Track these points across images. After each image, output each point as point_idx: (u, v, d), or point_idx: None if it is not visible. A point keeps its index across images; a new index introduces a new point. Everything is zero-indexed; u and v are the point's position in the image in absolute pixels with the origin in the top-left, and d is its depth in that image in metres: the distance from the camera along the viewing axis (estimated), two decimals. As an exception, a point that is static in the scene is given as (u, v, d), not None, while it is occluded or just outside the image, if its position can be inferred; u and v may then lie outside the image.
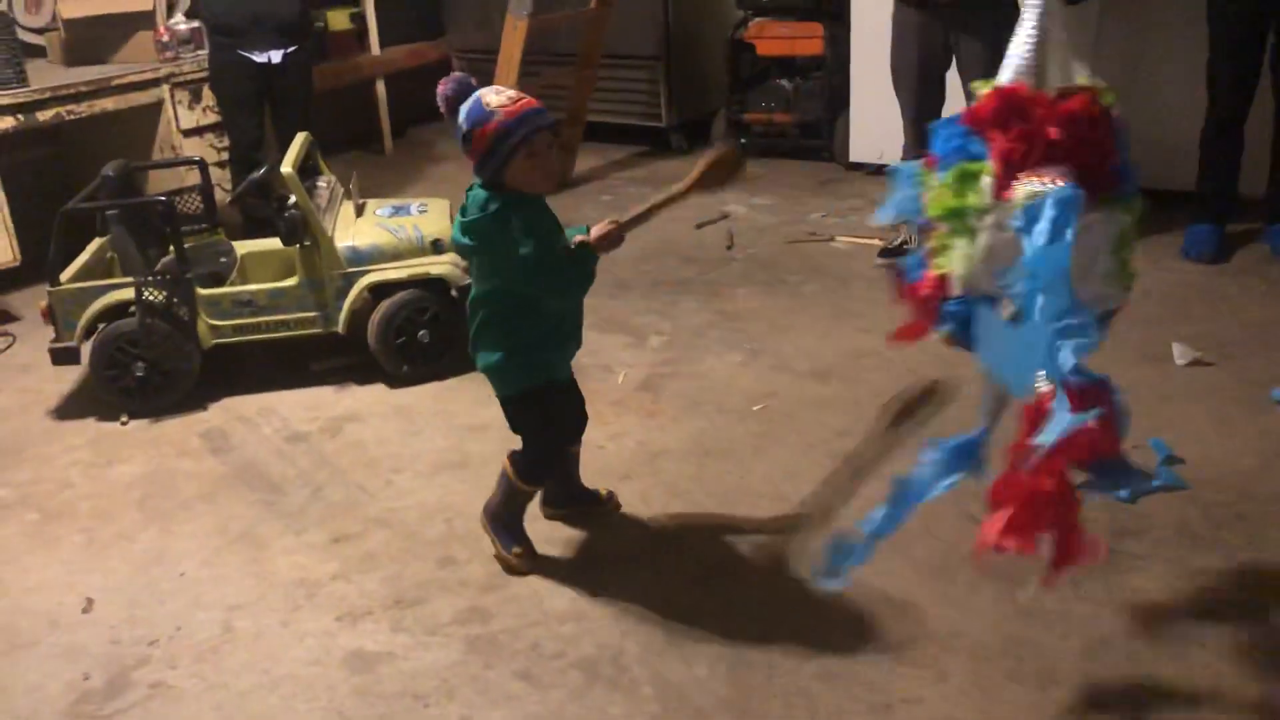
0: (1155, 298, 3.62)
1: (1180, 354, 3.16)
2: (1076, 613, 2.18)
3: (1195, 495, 2.52)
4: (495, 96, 2.19)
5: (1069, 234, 1.62)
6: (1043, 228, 1.64)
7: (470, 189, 2.28)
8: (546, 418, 2.38)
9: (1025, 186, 1.70)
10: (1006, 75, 1.80)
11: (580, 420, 2.51)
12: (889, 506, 1.90)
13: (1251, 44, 3.70)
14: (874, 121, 4.97)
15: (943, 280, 1.87)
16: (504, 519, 2.47)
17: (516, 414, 2.39)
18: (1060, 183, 1.68)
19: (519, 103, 2.19)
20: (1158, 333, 3.33)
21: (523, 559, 2.44)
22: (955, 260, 1.82)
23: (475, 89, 2.22)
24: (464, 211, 2.27)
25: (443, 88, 2.23)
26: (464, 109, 2.20)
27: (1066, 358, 1.58)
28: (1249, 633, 2.09)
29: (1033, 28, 1.78)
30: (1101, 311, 1.77)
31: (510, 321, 2.30)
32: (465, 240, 2.25)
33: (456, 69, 6.85)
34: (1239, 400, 2.92)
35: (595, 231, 2.29)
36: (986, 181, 1.75)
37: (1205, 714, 1.91)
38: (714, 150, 2.37)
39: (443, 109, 2.24)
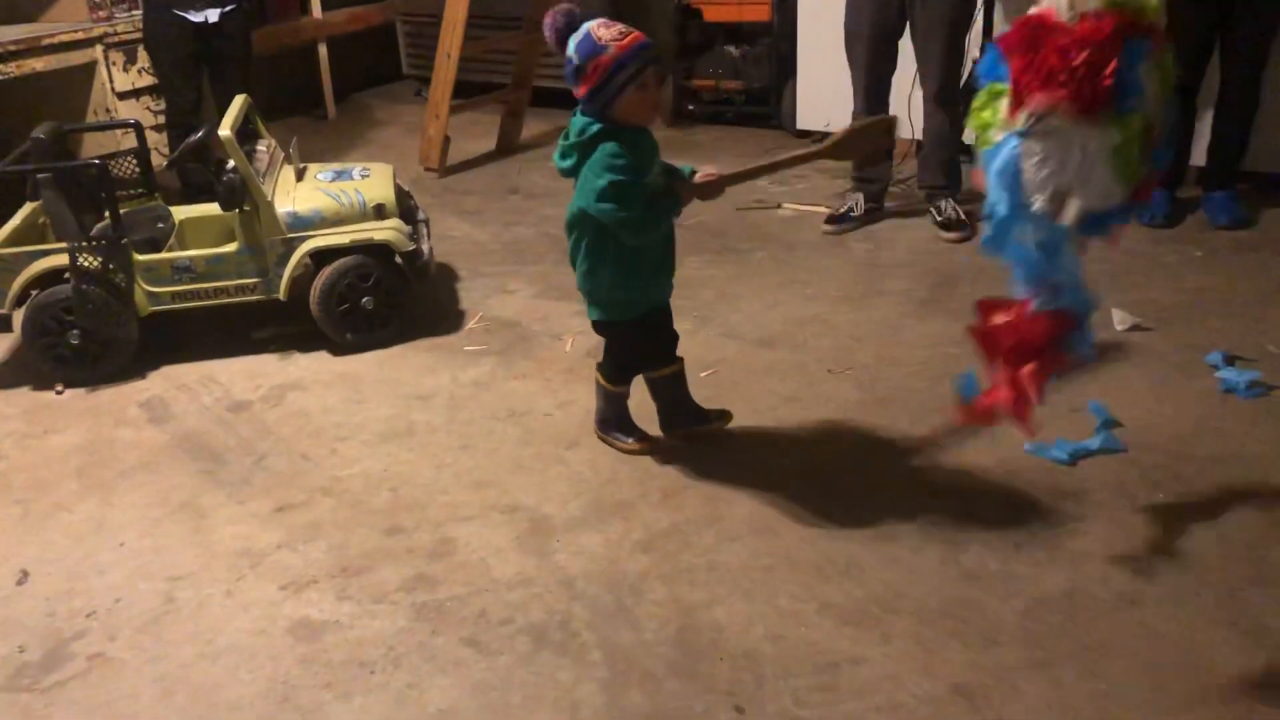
0: (1096, 264, 3.66)
1: (1120, 320, 3.21)
2: (1018, 573, 2.21)
3: (1133, 457, 2.57)
4: (606, 30, 2.22)
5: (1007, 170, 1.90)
6: (991, 181, 1.93)
7: (574, 115, 2.35)
8: (631, 342, 2.56)
9: (1021, 114, 1.85)
10: (1042, 3, 1.90)
11: (665, 345, 2.61)
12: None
13: (1212, 14, 3.73)
14: (821, 88, 4.97)
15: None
16: (613, 420, 2.69)
17: (603, 332, 2.57)
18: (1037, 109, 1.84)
19: (629, 37, 2.23)
20: (1098, 299, 3.38)
21: (643, 444, 2.67)
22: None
23: (583, 21, 2.24)
24: (565, 136, 2.36)
25: (550, 19, 2.27)
26: (574, 41, 2.24)
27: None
28: (1186, 591, 2.14)
29: None
30: (1103, 209, 1.92)
31: (601, 246, 2.38)
32: (563, 163, 2.37)
33: (401, 33, 6.77)
34: (1176, 365, 2.98)
35: (699, 178, 2.39)
36: (1003, 103, 1.91)
37: (1143, 671, 1.95)
38: (861, 120, 2.39)
39: (551, 40, 2.29)
